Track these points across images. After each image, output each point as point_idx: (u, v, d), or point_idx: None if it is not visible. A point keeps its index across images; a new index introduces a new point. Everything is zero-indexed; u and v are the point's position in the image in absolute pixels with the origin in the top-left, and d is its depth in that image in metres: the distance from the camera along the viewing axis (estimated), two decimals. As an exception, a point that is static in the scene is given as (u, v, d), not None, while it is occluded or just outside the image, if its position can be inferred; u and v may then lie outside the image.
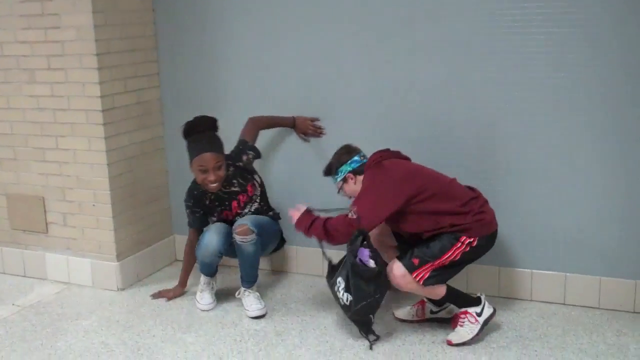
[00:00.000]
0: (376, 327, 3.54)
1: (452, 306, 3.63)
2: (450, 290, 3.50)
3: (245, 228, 3.75)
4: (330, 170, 3.69)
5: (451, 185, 3.51)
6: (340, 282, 3.47)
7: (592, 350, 3.37)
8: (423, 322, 3.68)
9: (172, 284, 4.22)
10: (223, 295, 4.10)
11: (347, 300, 3.43)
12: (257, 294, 3.93)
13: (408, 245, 3.50)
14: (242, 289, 3.93)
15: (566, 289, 3.84)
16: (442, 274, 3.41)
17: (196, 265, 4.04)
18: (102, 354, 3.49)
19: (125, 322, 3.85)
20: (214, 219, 4.00)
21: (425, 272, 3.37)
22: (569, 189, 3.74)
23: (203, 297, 3.99)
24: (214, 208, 3.97)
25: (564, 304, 3.85)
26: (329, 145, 3.85)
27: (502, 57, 3.71)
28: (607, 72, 3.55)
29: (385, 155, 3.57)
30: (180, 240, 4.28)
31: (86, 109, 4.06)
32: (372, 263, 3.39)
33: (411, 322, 3.69)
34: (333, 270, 3.60)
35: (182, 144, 3.89)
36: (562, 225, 3.79)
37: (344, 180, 3.63)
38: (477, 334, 3.45)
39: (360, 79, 4.04)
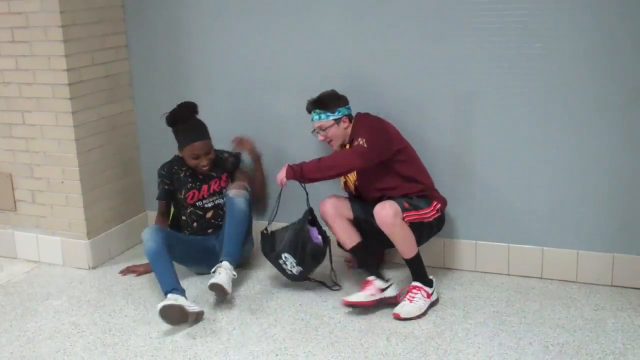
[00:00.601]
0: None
1: (394, 284, 3.57)
2: (419, 254, 3.51)
3: (241, 184, 3.90)
4: (325, 104, 3.62)
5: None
6: (287, 258, 3.64)
7: (570, 324, 3.34)
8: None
9: (145, 261, 4.11)
10: (195, 274, 4.03)
11: (297, 273, 3.66)
12: (234, 273, 3.63)
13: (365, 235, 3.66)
14: (220, 262, 3.65)
15: (543, 262, 3.81)
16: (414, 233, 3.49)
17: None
18: (73, 334, 3.42)
19: (96, 301, 3.78)
20: (180, 197, 3.99)
21: (410, 219, 3.44)
22: (546, 162, 3.70)
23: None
24: (184, 183, 3.96)
25: (541, 278, 3.83)
26: (307, 127, 3.77)
27: (480, 28, 3.64)
28: (584, 44, 3.49)
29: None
30: (153, 216, 4.20)
31: (52, 82, 3.96)
32: (320, 240, 3.68)
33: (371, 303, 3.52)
34: (267, 239, 3.78)
35: (153, 118, 3.98)
36: (539, 198, 3.75)
37: (338, 121, 3.60)
38: (424, 313, 3.46)
39: (337, 50, 3.96)
